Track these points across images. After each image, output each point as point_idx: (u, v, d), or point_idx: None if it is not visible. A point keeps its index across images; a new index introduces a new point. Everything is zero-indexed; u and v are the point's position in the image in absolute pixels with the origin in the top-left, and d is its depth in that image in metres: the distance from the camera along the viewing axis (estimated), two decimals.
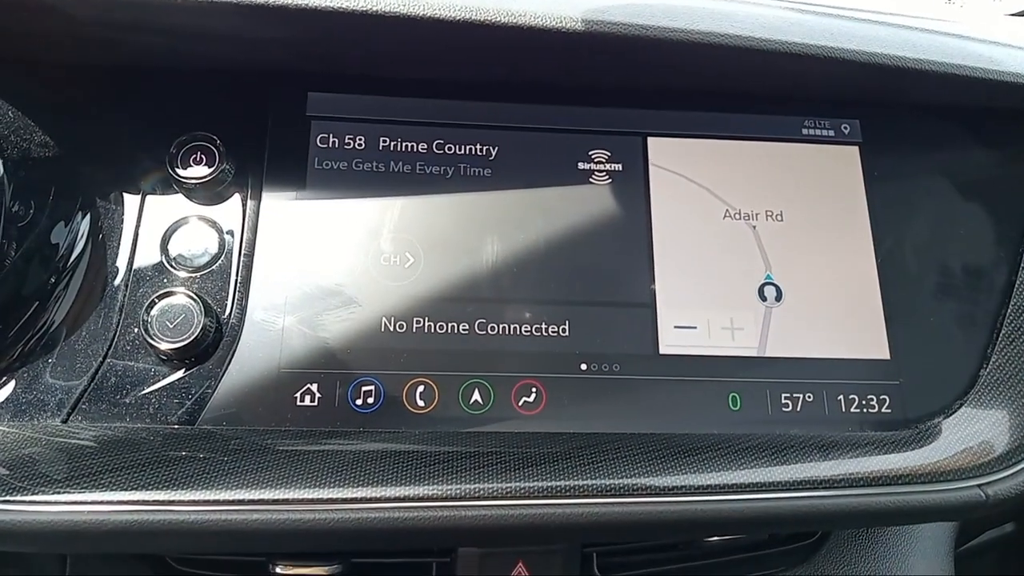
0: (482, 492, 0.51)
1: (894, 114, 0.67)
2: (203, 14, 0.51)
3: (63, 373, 0.54)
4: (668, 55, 0.58)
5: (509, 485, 0.51)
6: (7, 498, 0.47)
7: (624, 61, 0.60)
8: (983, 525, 0.91)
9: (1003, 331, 0.61)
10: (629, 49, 0.56)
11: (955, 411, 0.59)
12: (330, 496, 0.49)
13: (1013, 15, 1.09)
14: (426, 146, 0.62)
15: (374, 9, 0.51)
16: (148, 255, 0.57)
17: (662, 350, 0.59)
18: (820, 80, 0.63)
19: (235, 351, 0.55)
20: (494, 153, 0.62)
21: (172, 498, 0.48)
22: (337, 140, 0.61)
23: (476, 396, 0.56)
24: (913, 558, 0.72)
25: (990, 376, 0.60)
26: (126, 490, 0.48)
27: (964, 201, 0.65)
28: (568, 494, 0.51)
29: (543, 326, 0.58)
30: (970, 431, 0.58)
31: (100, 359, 0.54)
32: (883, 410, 0.59)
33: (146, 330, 0.53)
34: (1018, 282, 0.63)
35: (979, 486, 0.55)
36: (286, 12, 0.51)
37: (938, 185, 0.65)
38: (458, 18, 0.52)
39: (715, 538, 0.67)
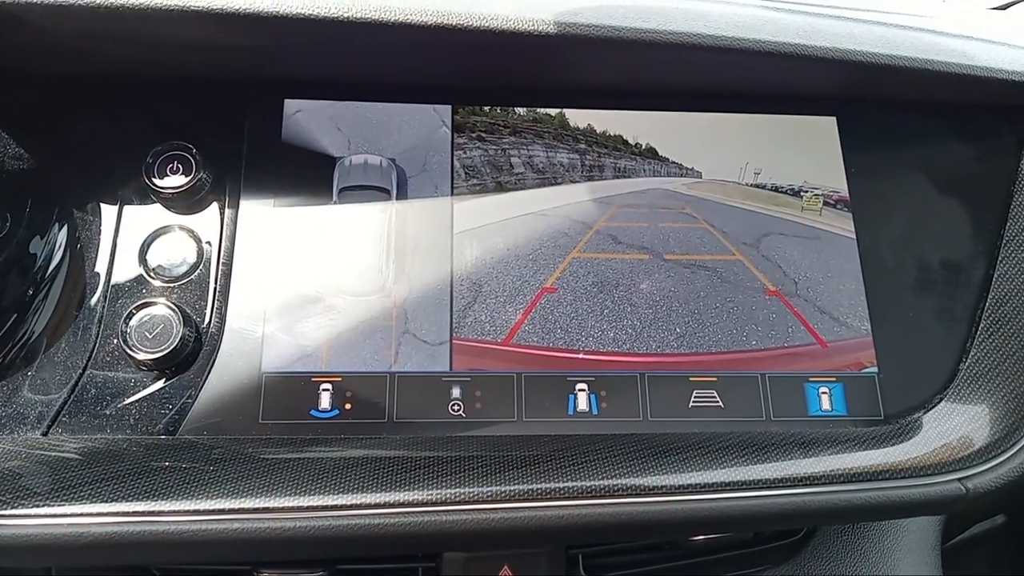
0: (465, 496, 0.51)
1: (872, 110, 0.67)
2: (174, 23, 0.51)
3: (43, 385, 0.54)
4: (641, 55, 0.58)
5: (491, 489, 0.51)
6: None
7: (596, 62, 0.60)
8: (970, 519, 0.91)
9: (981, 325, 0.62)
10: (600, 51, 0.56)
11: (935, 406, 0.59)
12: (313, 504, 0.49)
13: (995, 9, 1.09)
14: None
15: (346, 15, 0.51)
16: (126, 265, 0.57)
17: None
18: (796, 77, 0.64)
19: (215, 360, 0.55)
20: None
21: (155, 509, 0.48)
22: None
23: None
24: (899, 553, 0.73)
25: (969, 370, 0.61)
26: (108, 502, 0.48)
27: (942, 196, 0.65)
28: (551, 496, 0.52)
29: None
30: (950, 425, 0.58)
31: (80, 371, 0.54)
32: (863, 405, 0.59)
33: (125, 341, 0.53)
34: (996, 275, 0.63)
35: (959, 480, 0.56)
36: (257, 19, 0.51)
37: (916, 180, 0.66)
38: (430, 23, 0.52)
39: (700, 537, 0.67)
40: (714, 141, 0.65)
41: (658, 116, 0.65)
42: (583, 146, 0.64)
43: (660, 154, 0.65)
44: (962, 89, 0.64)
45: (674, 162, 0.65)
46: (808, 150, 0.65)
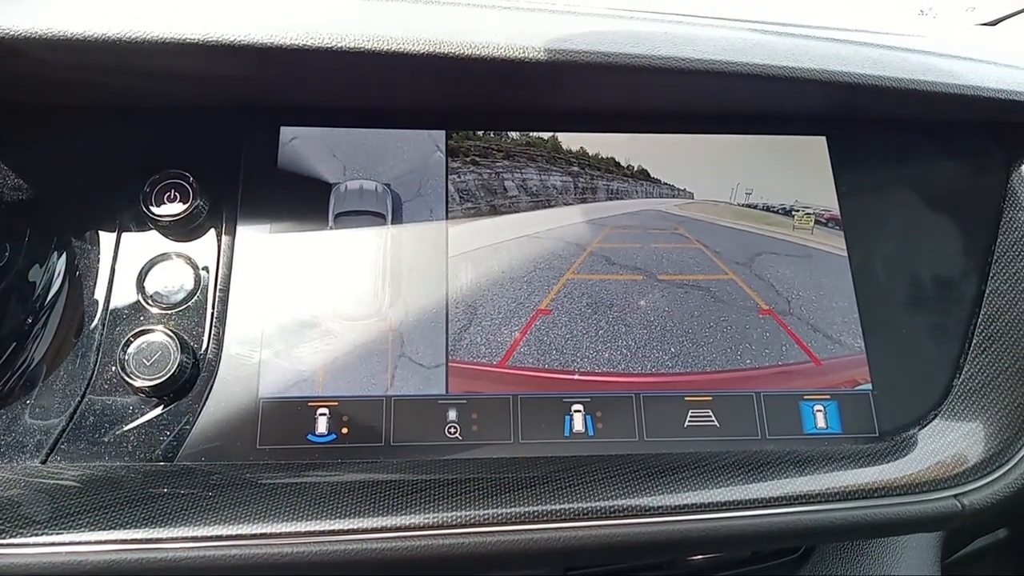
0: (462, 520, 0.51)
1: (861, 129, 0.68)
2: (170, 55, 0.52)
3: (42, 413, 0.54)
4: (632, 80, 0.58)
5: (488, 512, 0.51)
6: None
7: (587, 87, 0.60)
8: (971, 533, 0.91)
9: (974, 340, 0.62)
10: (591, 76, 0.57)
11: (929, 422, 0.60)
12: (311, 529, 0.50)
13: (984, 25, 1.10)
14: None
15: (340, 45, 0.52)
16: (124, 293, 0.58)
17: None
18: (785, 98, 0.64)
19: (212, 386, 0.56)
20: None
21: (154, 536, 0.48)
22: None
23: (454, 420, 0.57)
24: (899, 570, 0.73)
25: (963, 386, 0.61)
26: (107, 529, 0.48)
27: (932, 213, 0.66)
28: (548, 519, 0.52)
29: None
30: (944, 442, 0.58)
31: (78, 398, 0.55)
32: (858, 423, 0.60)
33: (123, 368, 0.54)
34: (988, 291, 0.63)
35: (955, 496, 0.56)
36: (252, 50, 0.52)
37: (906, 198, 0.66)
38: (424, 51, 0.53)
39: (698, 557, 0.67)
40: (705, 162, 0.66)
41: (650, 138, 0.66)
42: (576, 169, 0.65)
43: (652, 175, 0.65)
44: (950, 108, 0.64)
45: (666, 183, 0.65)
46: (799, 169, 0.66)
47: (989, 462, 0.57)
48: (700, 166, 0.66)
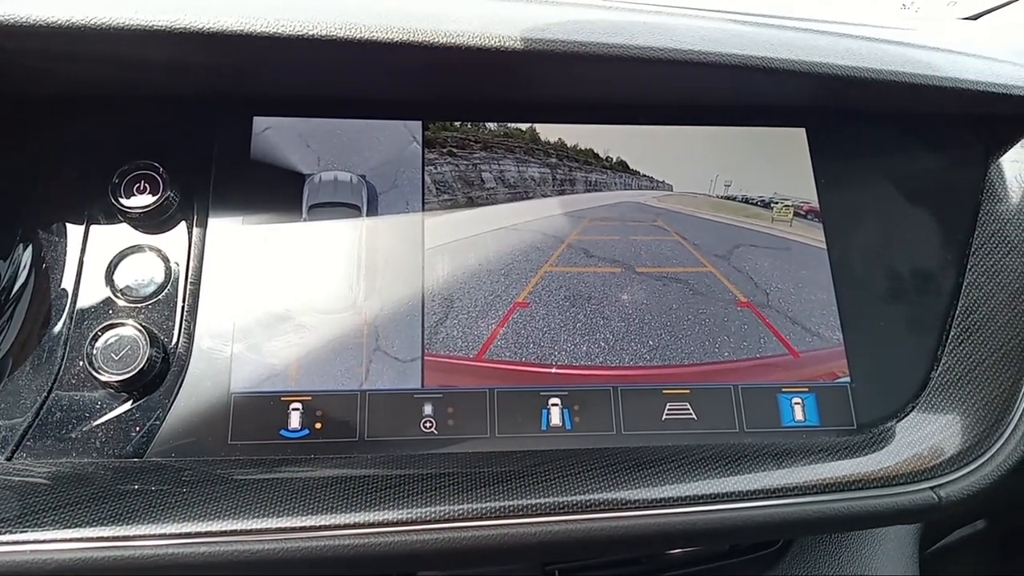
0: (438, 515, 0.50)
1: (840, 121, 0.68)
2: (137, 43, 0.51)
3: (7, 409, 0.53)
4: (609, 69, 0.58)
5: (464, 507, 0.51)
6: None
7: (564, 77, 0.60)
8: (950, 525, 0.91)
9: (952, 333, 0.62)
10: (567, 65, 0.56)
11: (907, 414, 0.60)
12: (284, 525, 0.49)
13: (965, 19, 1.11)
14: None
15: (311, 33, 0.51)
16: (93, 286, 0.56)
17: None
18: (763, 89, 0.64)
19: (183, 381, 0.55)
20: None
21: (123, 533, 0.47)
22: None
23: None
24: (877, 561, 0.73)
25: (941, 378, 0.61)
26: (75, 527, 0.47)
27: (911, 205, 0.66)
28: (525, 513, 0.51)
29: None
30: (922, 434, 0.58)
31: (45, 394, 0.54)
32: (836, 415, 0.59)
33: (91, 363, 0.53)
34: (965, 283, 0.63)
35: (932, 488, 0.56)
36: (221, 38, 0.51)
37: (886, 190, 0.66)
38: (397, 40, 0.52)
39: (677, 551, 0.67)
40: (684, 154, 0.66)
41: (628, 130, 0.65)
42: (554, 160, 0.64)
43: (631, 167, 0.65)
44: (929, 100, 0.64)
45: (645, 175, 0.65)
46: (778, 161, 0.66)
47: (966, 454, 0.57)
48: (679, 158, 0.65)
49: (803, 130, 0.67)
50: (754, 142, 0.66)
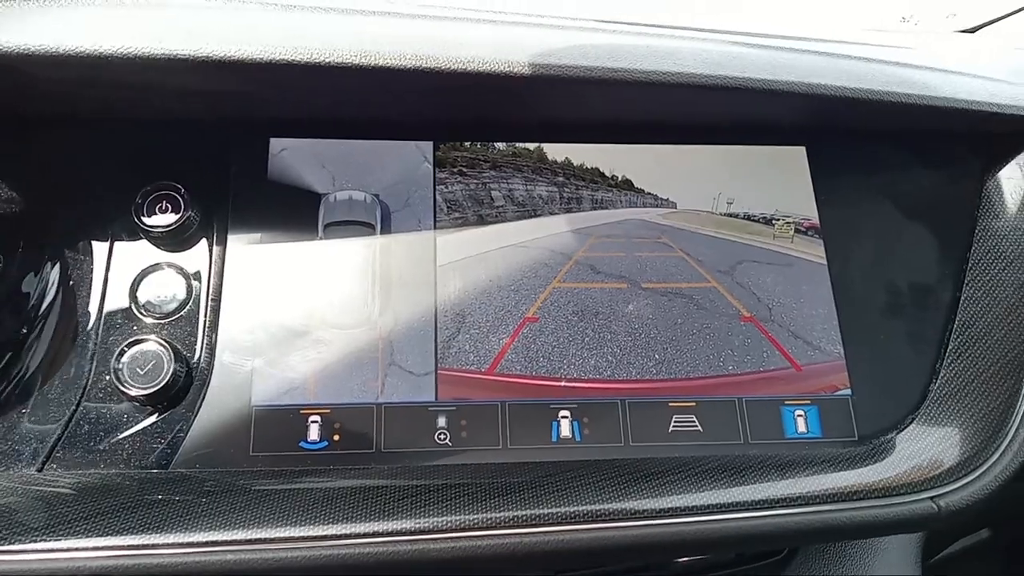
0: (452, 524, 0.52)
1: (839, 140, 0.69)
2: (161, 71, 0.53)
3: (37, 422, 0.55)
4: (613, 93, 0.60)
5: (477, 516, 0.53)
6: None
7: (570, 99, 0.62)
8: (952, 534, 0.93)
9: (950, 346, 0.64)
10: (573, 89, 0.58)
11: (907, 426, 0.61)
12: (304, 534, 0.51)
13: (964, 31, 1.12)
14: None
15: (327, 60, 0.53)
16: (117, 303, 0.58)
17: None
18: (764, 110, 0.66)
19: (205, 394, 0.57)
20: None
21: (149, 542, 0.49)
22: None
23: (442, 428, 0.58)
24: (880, 570, 0.74)
25: (939, 390, 0.62)
26: (103, 536, 0.49)
27: (909, 221, 0.68)
28: (536, 523, 0.53)
29: None
30: (922, 445, 0.60)
31: (73, 407, 0.55)
32: (838, 427, 0.61)
33: (117, 377, 0.54)
34: (963, 298, 0.65)
35: (931, 499, 0.57)
36: (241, 66, 0.52)
37: (884, 207, 0.68)
38: (410, 66, 0.54)
39: (683, 559, 0.69)
40: (688, 172, 0.67)
41: (633, 149, 0.67)
42: (561, 179, 0.66)
43: (636, 186, 0.67)
44: (925, 119, 0.66)
45: (650, 193, 0.67)
46: (779, 179, 0.68)
47: (964, 465, 0.59)
48: (683, 176, 0.67)
49: (803, 148, 0.69)
50: (756, 161, 0.68)
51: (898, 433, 0.61)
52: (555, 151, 0.67)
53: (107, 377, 0.56)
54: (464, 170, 0.65)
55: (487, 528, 0.52)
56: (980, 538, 1.00)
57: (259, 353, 0.58)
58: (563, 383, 0.60)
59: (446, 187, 0.64)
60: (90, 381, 0.56)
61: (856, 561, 0.74)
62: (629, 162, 0.67)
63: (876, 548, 0.75)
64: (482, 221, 0.64)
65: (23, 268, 0.57)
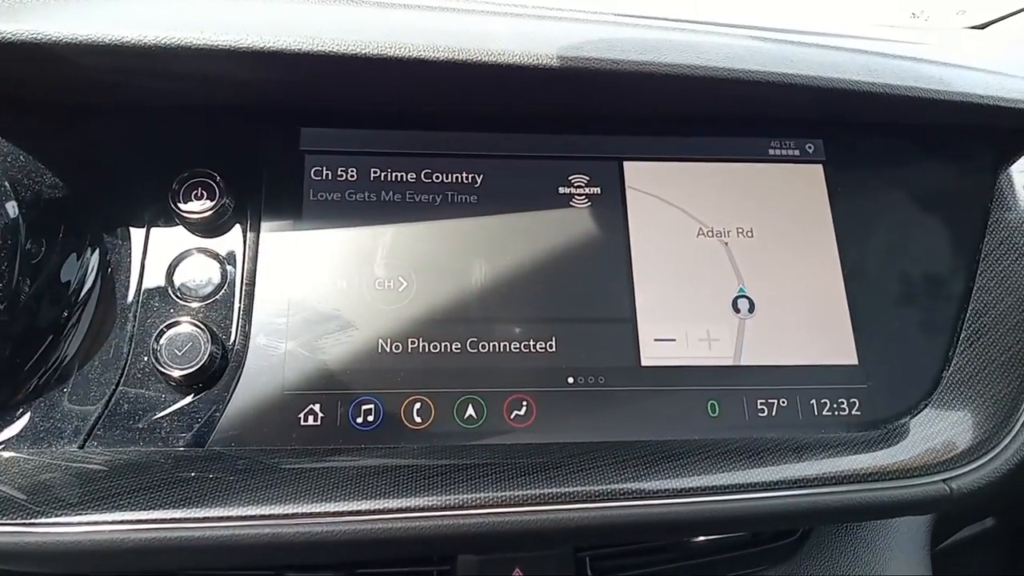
0: (479, 501, 0.54)
1: (856, 133, 0.71)
2: (199, 61, 0.55)
3: (78, 402, 0.57)
4: (639, 85, 0.61)
5: (504, 494, 0.54)
6: (28, 521, 0.50)
7: (598, 92, 0.63)
8: (960, 521, 0.94)
9: (963, 334, 0.65)
10: (602, 82, 0.60)
11: (920, 411, 0.63)
12: (335, 509, 0.52)
13: (973, 27, 1.14)
14: (415, 176, 0.65)
15: (363, 52, 0.55)
16: (155, 287, 0.60)
17: (644, 362, 0.62)
18: (783, 103, 0.67)
19: (240, 376, 0.58)
20: (479, 180, 0.66)
21: (184, 516, 0.51)
22: (330, 172, 0.65)
23: (470, 411, 0.60)
24: (889, 554, 0.76)
25: (952, 377, 0.64)
26: (140, 510, 0.51)
27: (923, 213, 0.69)
28: (560, 500, 0.55)
29: (531, 343, 0.62)
30: (934, 429, 0.61)
31: (113, 387, 0.57)
32: (853, 412, 0.63)
33: (156, 358, 0.56)
34: (975, 288, 0.67)
35: (944, 481, 0.59)
36: (277, 56, 0.54)
37: (899, 199, 0.69)
38: (442, 59, 0.56)
39: (701, 538, 0.70)
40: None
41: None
42: None
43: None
44: (940, 113, 0.67)
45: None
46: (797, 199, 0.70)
47: (977, 448, 0.61)
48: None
49: (820, 166, 0.70)
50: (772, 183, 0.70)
51: (912, 418, 0.63)
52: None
53: (145, 358, 0.58)
54: None
55: (512, 505, 0.54)
56: (986, 526, 1.01)
57: (292, 336, 0.60)
58: None
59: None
60: (129, 362, 0.58)
61: (867, 542, 0.76)
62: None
63: (887, 531, 0.77)
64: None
65: (64, 253, 0.59)
